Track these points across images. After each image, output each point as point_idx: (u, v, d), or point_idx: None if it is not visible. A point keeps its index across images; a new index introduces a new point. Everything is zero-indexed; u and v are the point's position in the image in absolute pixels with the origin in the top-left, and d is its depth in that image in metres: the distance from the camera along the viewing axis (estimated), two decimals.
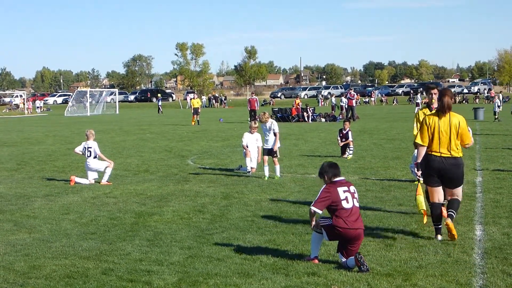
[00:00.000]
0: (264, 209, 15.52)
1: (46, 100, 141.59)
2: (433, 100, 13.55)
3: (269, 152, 20.81)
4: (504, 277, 9.57)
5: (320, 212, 10.37)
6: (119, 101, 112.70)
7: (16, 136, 45.35)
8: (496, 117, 51.86)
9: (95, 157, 20.67)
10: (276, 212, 15.13)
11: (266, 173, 20.53)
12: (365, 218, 12.86)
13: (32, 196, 18.18)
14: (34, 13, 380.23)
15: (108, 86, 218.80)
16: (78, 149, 21.47)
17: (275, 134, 20.93)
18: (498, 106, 53.97)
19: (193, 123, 57.06)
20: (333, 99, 74.98)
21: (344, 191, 10.41)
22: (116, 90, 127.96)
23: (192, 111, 59.05)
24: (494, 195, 16.52)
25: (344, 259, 10.29)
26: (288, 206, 15.90)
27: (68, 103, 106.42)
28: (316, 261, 10.57)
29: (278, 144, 21.06)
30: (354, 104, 60.32)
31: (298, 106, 63.30)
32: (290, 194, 17.46)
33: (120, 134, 44.95)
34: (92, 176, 20.62)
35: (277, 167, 20.61)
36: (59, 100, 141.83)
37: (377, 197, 16.75)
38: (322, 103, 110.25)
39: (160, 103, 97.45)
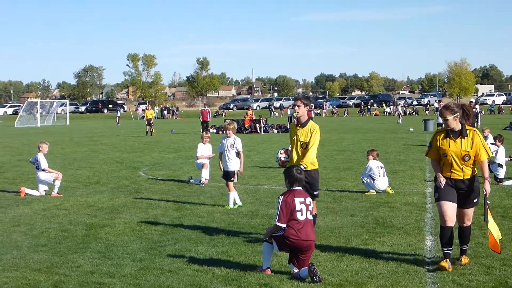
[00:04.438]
0: (216, 221, 15.51)
1: None
2: (295, 114, 13.22)
3: (226, 175, 17.51)
4: (454, 287, 9.68)
5: (284, 226, 10.40)
6: (69, 112, 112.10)
7: None
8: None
9: (43, 169, 20.52)
10: (228, 223, 15.14)
11: (231, 203, 17.36)
12: (317, 229, 12.90)
13: None
14: None
15: (59, 97, 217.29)
16: (31, 160, 21.46)
17: (238, 154, 17.50)
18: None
19: (154, 133, 56.93)
20: (289, 110, 75.30)
21: (301, 202, 10.42)
22: (67, 101, 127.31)
23: (146, 122, 59.00)
24: None
25: (296, 270, 10.32)
26: (240, 217, 15.91)
27: (18, 114, 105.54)
28: (269, 271, 10.58)
29: (241, 168, 17.65)
30: (313, 116, 60.70)
31: (252, 117, 63.42)
32: (243, 205, 17.43)
33: (70, 145, 44.59)
34: (43, 188, 20.45)
35: (231, 194, 17.39)
36: (10, 111, 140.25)
37: (329, 208, 16.83)
38: (277, 114, 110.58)
39: (119, 113, 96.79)
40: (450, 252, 10.75)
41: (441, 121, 53.88)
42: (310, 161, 12.65)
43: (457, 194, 10.81)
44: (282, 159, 13.46)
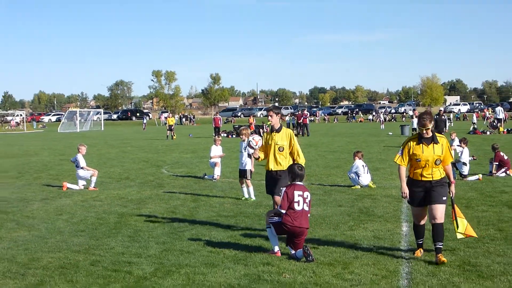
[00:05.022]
0: (226, 210, 15.53)
1: (42, 119, 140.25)
2: (268, 122, 12.69)
3: (242, 173, 17.61)
4: (426, 265, 9.69)
5: (284, 211, 10.41)
6: (104, 120, 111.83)
7: (17, 149, 44.81)
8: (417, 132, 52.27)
9: (82, 167, 20.60)
10: (236, 212, 15.15)
11: (245, 194, 17.49)
12: (311, 218, 12.88)
13: (30, 199, 18.00)
14: (31, 45, 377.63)
15: (95, 107, 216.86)
16: (71, 160, 21.63)
17: (250, 156, 17.15)
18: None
19: (174, 137, 56.88)
20: (288, 118, 75.38)
21: (299, 195, 10.44)
22: (102, 110, 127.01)
23: (167, 127, 59.04)
24: None
25: (293, 251, 10.35)
26: (246, 207, 15.93)
27: (60, 121, 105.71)
28: (279, 253, 10.57)
29: (252, 167, 17.69)
30: (308, 122, 60.63)
31: (252, 123, 63.48)
32: (249, 198, 17.44)
33: (105, 147, 44.59)
34: (82, 183, 20.51)
35: (250, 188, 17.34)
36: (53, 118, 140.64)
37: (321, 200, 16.84)
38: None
39: (145, 120, 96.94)
40: (422, 242, 10.49)
41: (415, 126, 53.74)
42: (304, 161, 12.21)
43: (426, 192, 10.19)
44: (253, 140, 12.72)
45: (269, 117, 12.47)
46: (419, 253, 10.39)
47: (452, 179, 10.39)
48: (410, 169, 10.44)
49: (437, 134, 10.31)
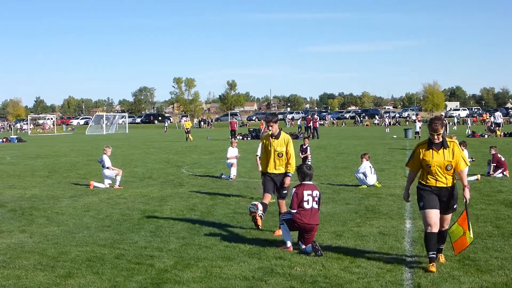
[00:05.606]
0: (242, 208, 15.49)
1: (71, 122, 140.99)
2: (270, 132, 12.35)
3: None
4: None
5: (295, 211, 10.43)
6: (128, 123, 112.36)
7: (47, 150, 45.02)
8: (419, 135, 52.18)
9: (107, 167, 20.67)
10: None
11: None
12: (320, 215, 12.84)
13: (60, 197, 18.07)
14: (62, 54, 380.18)
15: (120, 111, 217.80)
16: (98, 160, 21.68)
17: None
18: (420, 127, 54.65)
19: (191, 139, 56.99)
20: (299, 121, 75.62)
21: (308, 194, 10.45)
22: (126, 114, 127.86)
23: (185, 131, 59.28)
24: None
25: (303, 246, 10.33)
26: None
27: (88, 124, 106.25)
28: (291, 248, 10.55)
29: None
30: (318, 126, 60.59)
31: (263, 127, 63.63)
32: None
33: (129, 149, 44.71)
34: (107, 182, 20.57)
35: None
36: (82, 122, 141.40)
37: (330, 198, 16.79)
38: (288, 125, 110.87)
39: (166, 124, 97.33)
40: (435, 255, 9.28)
41: (418, 130, 53.19)
42: (294, 168, 12.03)
43: (439, 202, 9.34)
44: (252, 209, 11.94)
45: (270, 127, 12.34)
46: (433, 268, 9.09)
47: (465, 183, 9.48)
48: (423, 176, 9.56)
49: (448, 139, 9.59)
